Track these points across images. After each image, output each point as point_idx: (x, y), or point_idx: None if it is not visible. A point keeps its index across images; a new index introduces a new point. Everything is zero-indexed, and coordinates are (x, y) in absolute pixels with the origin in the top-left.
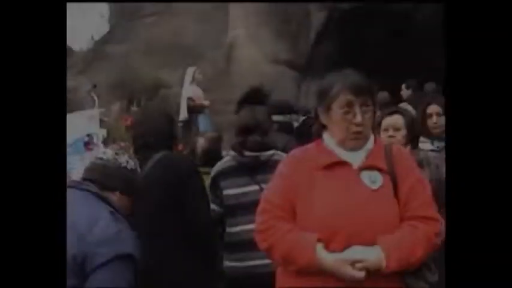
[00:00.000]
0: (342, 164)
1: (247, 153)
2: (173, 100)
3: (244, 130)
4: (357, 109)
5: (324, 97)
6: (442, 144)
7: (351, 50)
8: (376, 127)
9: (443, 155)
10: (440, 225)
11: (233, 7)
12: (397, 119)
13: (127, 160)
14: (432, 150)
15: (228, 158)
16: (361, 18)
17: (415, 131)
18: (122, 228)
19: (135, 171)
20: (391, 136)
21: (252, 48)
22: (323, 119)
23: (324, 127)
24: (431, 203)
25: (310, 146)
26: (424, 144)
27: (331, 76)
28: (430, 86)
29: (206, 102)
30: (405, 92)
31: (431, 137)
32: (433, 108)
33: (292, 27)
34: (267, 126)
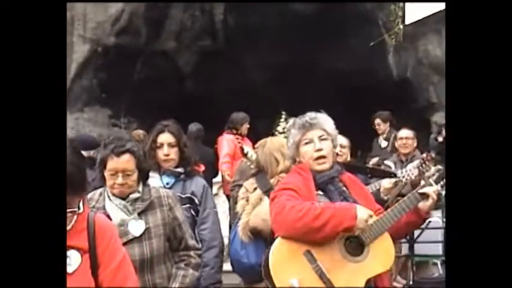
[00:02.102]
0: None
1: None
2: None
3: None
4: None
5: None
6: (172, 180)
7: (110, 87)
8: (102, 170)
9: (176, 193)
10: None
11: None
12: (127, 162)
13: None
14: (164, 187)
15: None
16: (123, 56)
17: (145, 170)
18: None
19: None
20: (122, 184)
21: None
22: None
23: None
24: (136, 281)
25: None
26: (154, 180)
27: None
28: (195, 126)
29: None
30: None
31: (165, 171)
32: (164, 138)
33: None
34: None
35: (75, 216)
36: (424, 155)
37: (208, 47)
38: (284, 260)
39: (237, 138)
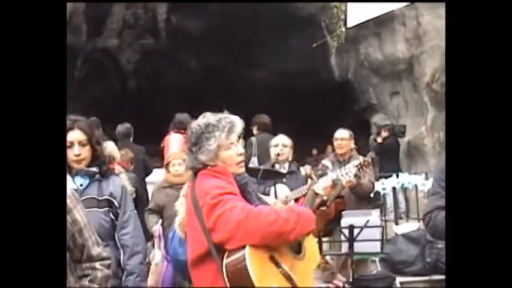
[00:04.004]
0: None
1: None
2: None
3: None
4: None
5: None
6: (87, 181)
7: None
8: None
9: (92, 195)
10: None
11: None
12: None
13: None
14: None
15: None
16: None
17: None
18: None
19: None
20: None
21: None
22: None
23: None
24: None
25: None
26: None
27: None
28: (122, 126)
29: None
30: None
31: (78, 172)
32: (74, 136)
33: None
34: None
35: None
36: (361, 159)
37: (151, 46)
38: (259, 267)
39: (185, 138)
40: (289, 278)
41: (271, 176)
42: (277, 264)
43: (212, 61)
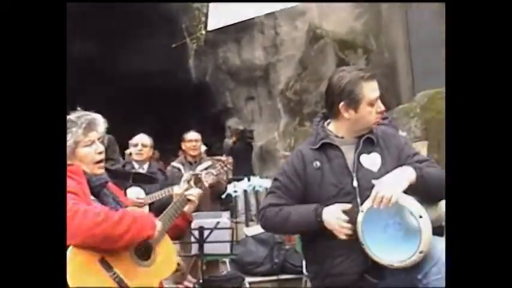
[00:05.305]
0: None
1: None
2: None
3: None
4: None
5: None
6: None
7: None
8: None
9: None
10: None
11: None
12: None
13: None
14: None
15: None
16: None
17: None
18: None
19: None
20: None
21: None
22: None
23: None
24: None
25: None
26: None
27: None
28: None
29: None
30: None
31: None
32: None
33: None
34: None
35: None
36: (224, 158)
37: None
38: (80, 270)
39: None
40: (120, 283)
41: (144, 180)
42: (107, 268)
43: (72, 52)
